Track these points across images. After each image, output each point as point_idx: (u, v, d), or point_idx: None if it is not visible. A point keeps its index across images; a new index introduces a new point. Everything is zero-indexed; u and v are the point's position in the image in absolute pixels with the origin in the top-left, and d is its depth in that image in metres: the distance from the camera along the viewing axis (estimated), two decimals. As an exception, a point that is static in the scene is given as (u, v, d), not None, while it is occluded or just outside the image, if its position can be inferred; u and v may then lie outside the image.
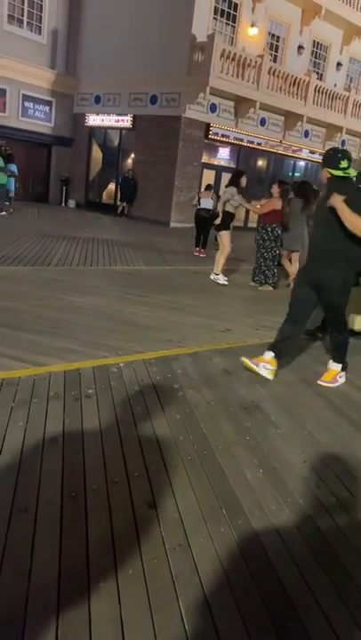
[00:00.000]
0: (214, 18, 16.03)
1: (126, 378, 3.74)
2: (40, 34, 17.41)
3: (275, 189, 7.88)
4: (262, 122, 18.17)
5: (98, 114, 18.19)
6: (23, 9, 16.80)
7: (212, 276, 8.14)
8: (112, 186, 18.86)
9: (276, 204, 7.72)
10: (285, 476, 2.72)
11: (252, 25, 17.08)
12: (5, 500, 2.22)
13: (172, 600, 1.83)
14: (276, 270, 8.11)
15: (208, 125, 16.51)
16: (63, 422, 2.96)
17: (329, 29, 19.57)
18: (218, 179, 17.02)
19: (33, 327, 4.60)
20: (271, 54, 17.53)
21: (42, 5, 17.22)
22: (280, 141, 19.12)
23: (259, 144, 18.48)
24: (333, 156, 3.78)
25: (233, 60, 15.49)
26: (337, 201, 3.60)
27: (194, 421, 3.20)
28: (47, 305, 5.40)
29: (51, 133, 18.44)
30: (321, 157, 4.45)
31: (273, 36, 18.15)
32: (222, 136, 17.19)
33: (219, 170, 17.64)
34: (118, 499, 2.33)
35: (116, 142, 18.40)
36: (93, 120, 18.41)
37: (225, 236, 8.06)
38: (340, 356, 4.16)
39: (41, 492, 2.30)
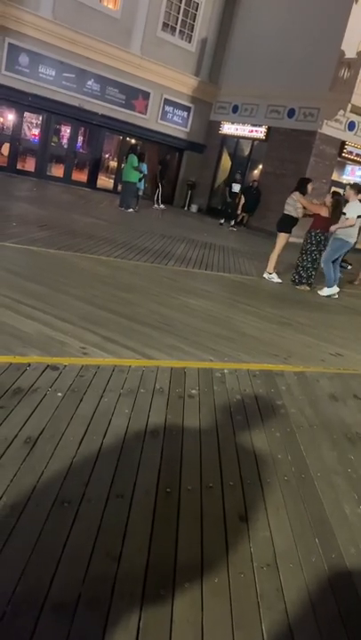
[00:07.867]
0: (367, 34, 15.49)
1: (229, 385, 3.72)
2: (190, 42, 17.94)
3: (327, 199, 8.39)
4: None
5: (233, 123, 18.35)
6: (178, 17, 17.43)
7: (265, 275, 8.54)
8: (236, 194, 18.93)
9: (322, 210, 8.18)
10: (388, 519, 2.53)
11: None
12: (105, 483, 2.28)
13: (254, 620, 1.77)
14: (313, 273, 8.36)
15: (343, 143, 16.00)
16: (165, 417, 3.00)
17: None
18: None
19: (147, 321, 4.73)
20: None
21: (195, 15, 17.75)
22: None
23: (395, 167, 17.56)
24: None
25: (380, 78, 14.88)
26: None
27: (294, 442, 3.10)
28: (161, 302, 5.53)
29: (185, 138, 18.95)
30: None
31: None
32: (356, 155, 16.57)
33: (348, 189, 17.00)
34: (211, 504, 2.31)
35: (247, 152, 18.43)
36: (228, 129, 18.61)
37: (282, 238, 8.50)
38: None
39: (138, 481, 2.34)
